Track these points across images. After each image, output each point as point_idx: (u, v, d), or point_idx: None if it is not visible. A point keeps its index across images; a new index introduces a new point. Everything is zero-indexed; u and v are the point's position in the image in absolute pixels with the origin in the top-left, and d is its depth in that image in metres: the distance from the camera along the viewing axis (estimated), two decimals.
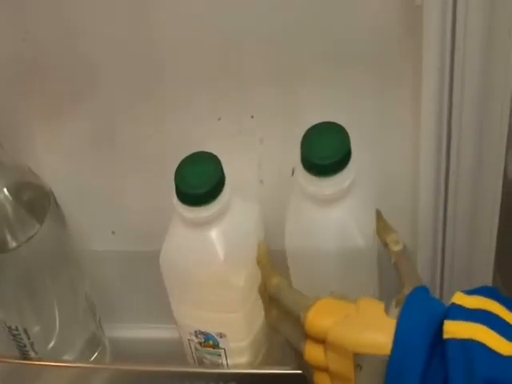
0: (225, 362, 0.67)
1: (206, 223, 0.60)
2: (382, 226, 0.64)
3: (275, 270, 0.62)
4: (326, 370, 0.55)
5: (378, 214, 0.64)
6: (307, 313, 0.55)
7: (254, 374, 0.66)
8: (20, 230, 0.65)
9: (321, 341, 0.54)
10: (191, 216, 0.60)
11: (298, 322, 0.56)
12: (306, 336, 0.55)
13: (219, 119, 0.68)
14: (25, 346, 0.71)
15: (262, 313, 0.63)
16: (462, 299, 0.51)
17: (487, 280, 0.69)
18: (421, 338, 0.50)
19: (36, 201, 0.67)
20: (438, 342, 0.50)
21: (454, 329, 0.49)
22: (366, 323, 0.53)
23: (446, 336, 0.49)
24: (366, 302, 0.55)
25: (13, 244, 0.65)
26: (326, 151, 0.58)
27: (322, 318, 0.54)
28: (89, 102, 0.68)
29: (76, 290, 0.72)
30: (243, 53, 0.63)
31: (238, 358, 0.66)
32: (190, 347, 0.67)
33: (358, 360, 0.52)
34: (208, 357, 0.67)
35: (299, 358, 0.57)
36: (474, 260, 0.68)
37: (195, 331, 0.65)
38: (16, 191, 0.66)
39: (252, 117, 0.67)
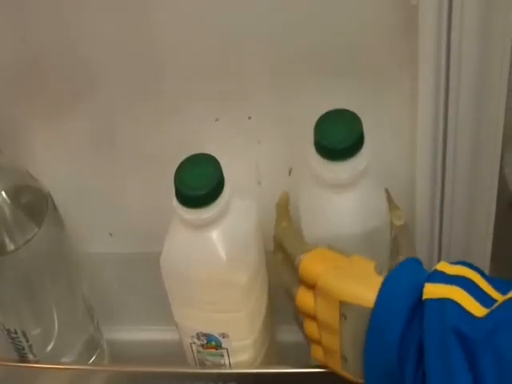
0: (227, 362, 0.67)
1: (207, 224, 0.60)
2: (388, 203, 0.65)
3: (288, 215, 0.65)
4: (314, 317, 0.57)
5: (386, 192, 0.65)
6: (302, 257, 0.58)
7: (253, 374, 0.66)
8: (18, 233, 0.65)
9: (312, 287, 0.57)
10: (192, 218, 0.60)
11: (294, 266, 0.59)
12: (300, 281, 0.58)
13: (217, 120, 0.68)
14: (23, 349, 0.70)
15: (263, 310, 0.63)
16: (444, 267, 0.53)
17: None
18: (403, 300, 0.52)
19: (34, 204, 0.67)
20: (420, 305, 0.52)
21: (432, 290, 0.51)
22: (355, 275, 0.56)
23: (424, 297, 0.51)
24: (359, 258, 0.57)
25: (11, 247, 0.65)
26: (340, 135, 0.59)
27: (315, 263, 0.57)
28: (88, 103, 0.68)
29: (74, 292, 0.72)
30: (241, 53, 0.63)
31: (240, 357, 0.66)
32: (192, 350, 0.67)
33: (344, 309, 0.55)
34: (210, 358, 0.67)
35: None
36: (471, 249, 0.69)
37: (197, 333, 0.65)
38: (14, 194, 0.66)
39: (249, 118, 0.68)
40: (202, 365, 0.68)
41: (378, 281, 0.54)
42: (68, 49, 0.65)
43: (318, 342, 0.58)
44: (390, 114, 0.66)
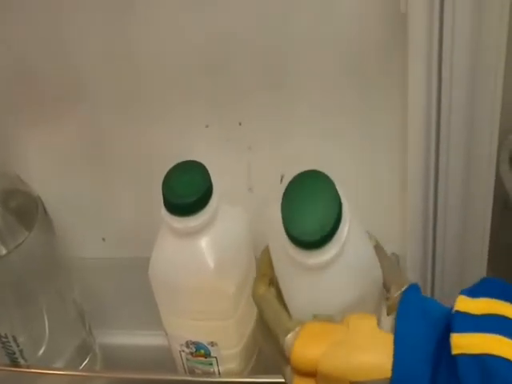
0: (217, 370, 0.67)
1: (195, 232, 0.60)
2: None
3: (267, 276, 0.54)
4: None
5: None
6: (292, 344, 0.48)
7: (243, 383, 0.66)
8: (8, 238, 0.65)
9: (311, 374, 0.47)
10: (180, 226, 0.60)
11: (278, 342, 0.49)
12: (293, 370, 0.48)
13: (207, 127, 0.68)
14: (14, 354, 0.70)
15: (252, 318, 0.62)
16: (466, 305, 0.45)
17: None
18: (422, 354, 0.45)
19: (24, 208, 0.67)
20: (442, 351, 0.45)
21: (464, 343, 0.43)
22: (360, 345, 0.47)
23: (455, 352, 0.43)
24: (357, 320, 0.48)
25: (1, 251, 0.65)
26: (312, 225, 0.49)
27: (309, 348, 0.47)
28: (80, 110, 0.68)
29: (65, 296, 0.72)
30: (231, 60, 0.63)
31: (229, 365, 0.66)
32: (181, 358, 0.67)
33: None
34: (200, 366, 0.67)
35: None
36: (467, 249, 0.68)
37: (186, 342, 0.65)
38: (4, 198, 0.66)
39: (240, 124, 0.67)
40: (192, 372, 0.68)
41: (387, 340, 0.46)
42: (57, 57, 0.65)
43: None
44: (379, 122, 0.66)
